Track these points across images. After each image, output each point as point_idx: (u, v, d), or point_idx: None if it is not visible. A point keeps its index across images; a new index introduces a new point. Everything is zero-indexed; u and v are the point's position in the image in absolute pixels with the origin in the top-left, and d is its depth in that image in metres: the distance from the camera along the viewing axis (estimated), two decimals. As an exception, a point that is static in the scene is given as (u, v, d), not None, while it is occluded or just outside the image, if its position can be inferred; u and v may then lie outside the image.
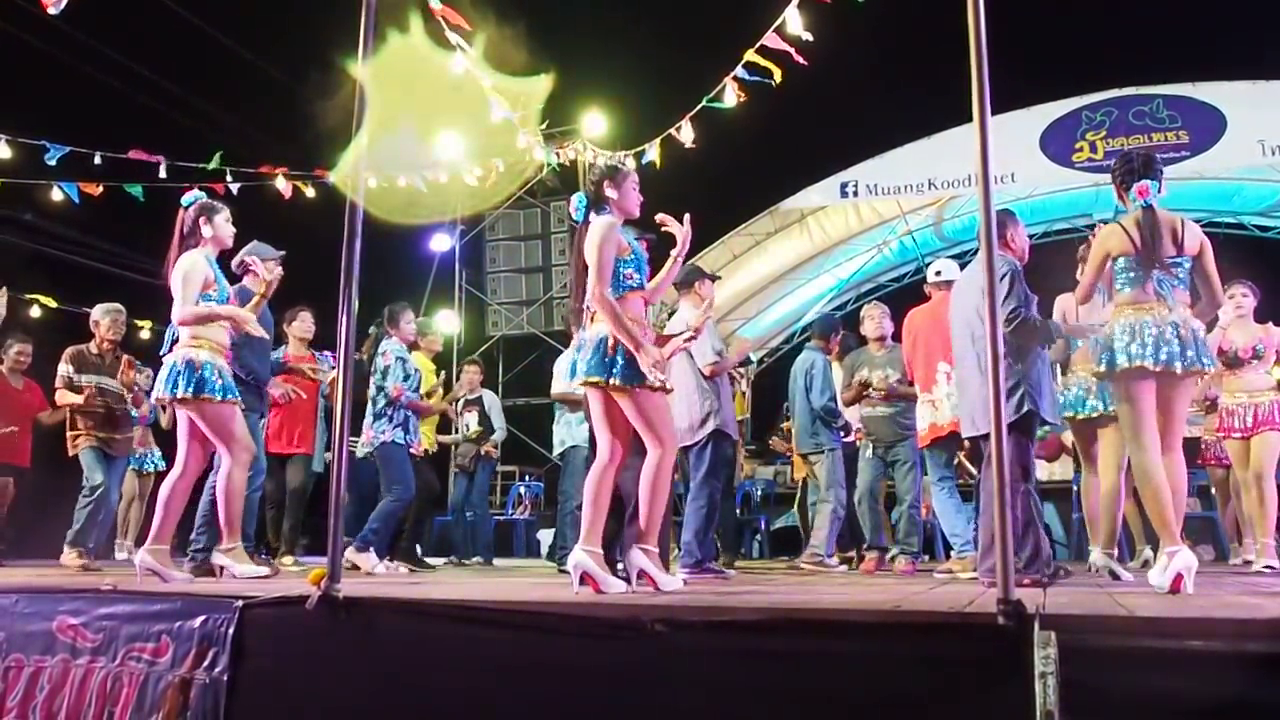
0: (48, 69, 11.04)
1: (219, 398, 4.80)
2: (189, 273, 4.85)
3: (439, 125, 11.46)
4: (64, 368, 6.86)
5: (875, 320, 7.02)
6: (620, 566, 4.21)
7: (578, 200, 4.14)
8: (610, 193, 4.12)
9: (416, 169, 10.28)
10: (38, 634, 3.55)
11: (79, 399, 6.80)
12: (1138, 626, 2.51)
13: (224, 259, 5.28)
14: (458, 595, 3.61)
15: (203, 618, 3.28)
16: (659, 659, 2.72)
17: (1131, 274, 4.12)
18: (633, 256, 4.03)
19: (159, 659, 3.31)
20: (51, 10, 4.95)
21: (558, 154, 10.65)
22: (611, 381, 3.86)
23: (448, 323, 13.50)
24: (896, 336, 6.93)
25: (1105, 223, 4.37)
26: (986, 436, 4.81)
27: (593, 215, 4.09)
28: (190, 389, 4.75)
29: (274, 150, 9.42)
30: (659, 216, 4.15)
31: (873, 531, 6.81)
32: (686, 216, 4.12)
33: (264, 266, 5.60)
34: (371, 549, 6.21)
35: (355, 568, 6.08)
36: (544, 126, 8.90)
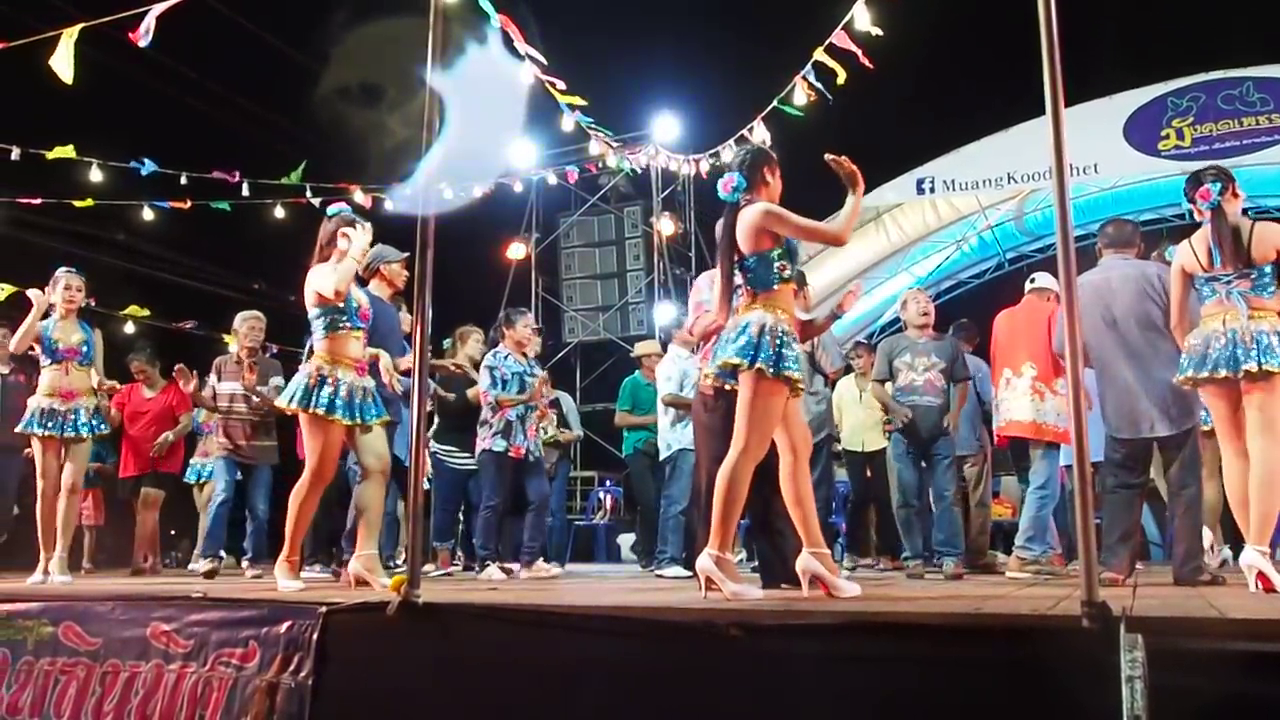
0: (135, 94, 11.43)
1: (314, 410, 4.70)
2: (320, 286, 4.77)
3: (511, 134, 11.59)
4: (210, 377, 7.08)
5: (920, 304, 6.66)
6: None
7: (737, 180, 3.89)
8: (769, 178, 3.97)
9: (490, 178, 10.42)
10: (133, 640, 3.67)
11: (211, 404, 7.04)
12: (1231, 629, 2.42)
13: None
14: (534, 600, 3.64)
15: (288, 623, 3.36)
16: (735, 663, 2.70)
17: (1205, 289, 4.27)
18: (787, 244, 3.84)
19: (247, 664, 3.39)
20: (141, 43, 5.12)
21: (630, 160, 10.69)
22: (758, 366, 3.64)
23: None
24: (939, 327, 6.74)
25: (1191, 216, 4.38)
26: (1171, 437, 4.80)
27: (749, 201, 3.89)
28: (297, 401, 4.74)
29: (352, 164, 9.63)
30: (827, 156, 3.84)
31: (917, 538, 6.43)
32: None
33: (392, 269, 5.69)
34: (491, 564, 6.29)
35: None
36: (615, 133, 8.94)
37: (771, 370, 3.64)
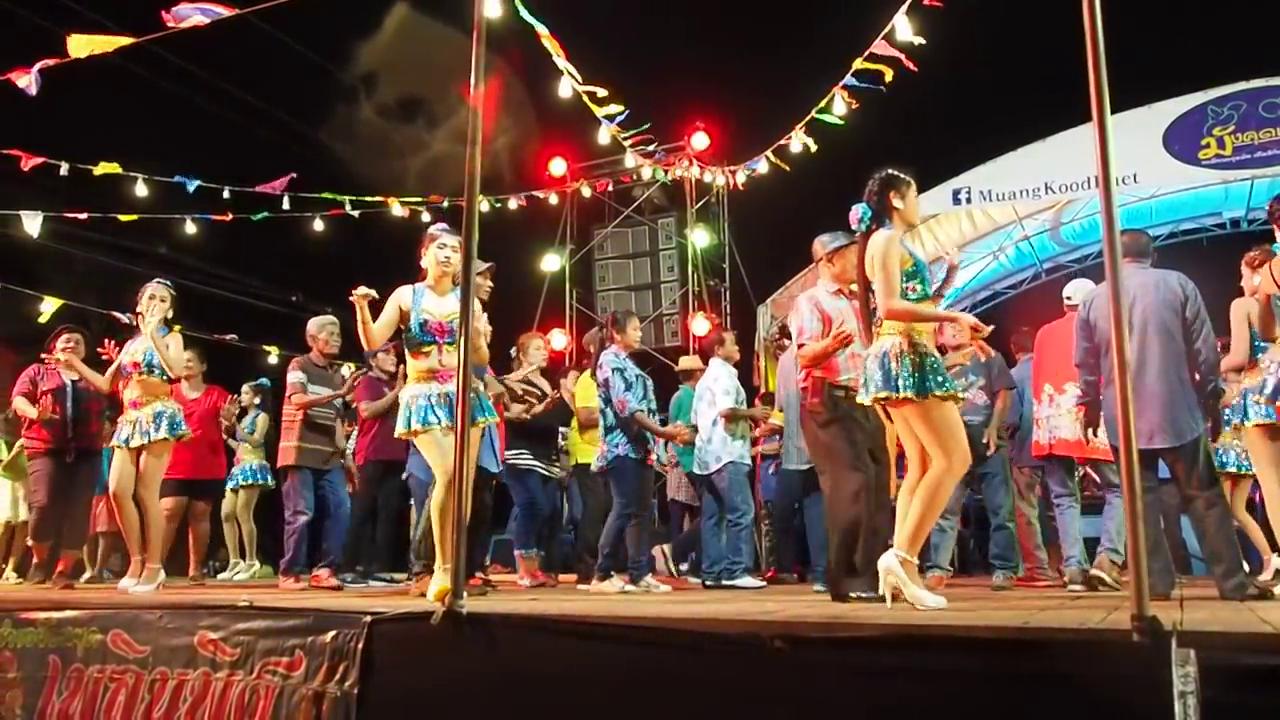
0: (177, 110, 11.62)
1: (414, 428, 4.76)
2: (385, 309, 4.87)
3: (547, 147, 11.69)
4: (296, 375, 6.86)
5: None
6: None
7: (862, 211, 4.08)
8: (896, 203, 4.08)
9: (526, 190, 10.51)
10: (181, 648, 3.72)
11: (310, 398, 6.81)
12: (1285, 644, 2.38)
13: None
14: (577, 610, 3.64)
15: (334, 632, 3.39)
16: (780, 675, 2.70)
17: None
18: (914, 268, 3.95)
19: (293, 672, 3.43)
20: (170, 23, 5.12)
21: (666, 171, 10.70)
22: (902, 394, 3.75)
23: (560, 341, 13.68)
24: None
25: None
26: (1175, 449, 4.70)
27: (876, 228, 4.06)
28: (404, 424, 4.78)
29: (390, 177, 9.74)
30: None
31: (940, 551, 6.39)
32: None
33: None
34: (613, 574, 6.14)
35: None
36: (651, 144, 8.96)
37: (909, 393, 3.76)
